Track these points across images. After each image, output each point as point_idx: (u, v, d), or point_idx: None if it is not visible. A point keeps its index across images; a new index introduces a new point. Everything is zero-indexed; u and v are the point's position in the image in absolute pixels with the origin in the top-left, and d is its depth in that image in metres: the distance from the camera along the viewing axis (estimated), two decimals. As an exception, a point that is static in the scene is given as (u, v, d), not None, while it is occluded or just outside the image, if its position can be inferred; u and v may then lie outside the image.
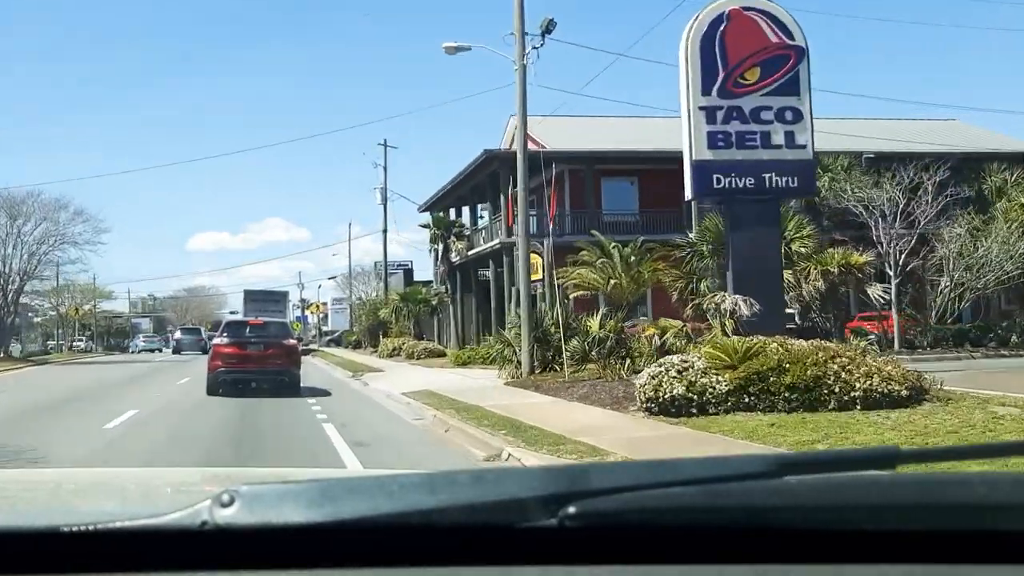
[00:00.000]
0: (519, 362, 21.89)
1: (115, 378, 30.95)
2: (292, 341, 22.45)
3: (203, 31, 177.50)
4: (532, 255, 25.72)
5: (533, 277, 25.74)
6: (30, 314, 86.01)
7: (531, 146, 35.36)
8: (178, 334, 68.42)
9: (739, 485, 1.35)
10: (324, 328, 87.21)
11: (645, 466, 1.47)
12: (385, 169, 53.64)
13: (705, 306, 18.15)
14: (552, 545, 1.28)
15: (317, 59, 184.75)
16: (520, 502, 1.26)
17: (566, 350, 20.23)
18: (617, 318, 21.06)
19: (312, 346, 62.11)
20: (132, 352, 79.35)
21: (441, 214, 45.37)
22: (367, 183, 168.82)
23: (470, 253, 41.50)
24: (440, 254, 43.85)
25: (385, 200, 53.46)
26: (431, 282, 50.28)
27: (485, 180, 38.88)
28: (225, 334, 21.73)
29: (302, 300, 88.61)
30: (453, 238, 42.96)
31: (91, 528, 1.28)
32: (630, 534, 1.30)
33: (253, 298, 52.62)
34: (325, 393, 21.42)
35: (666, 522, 1.29)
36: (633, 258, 21.50)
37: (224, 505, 1.24)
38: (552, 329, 21.51)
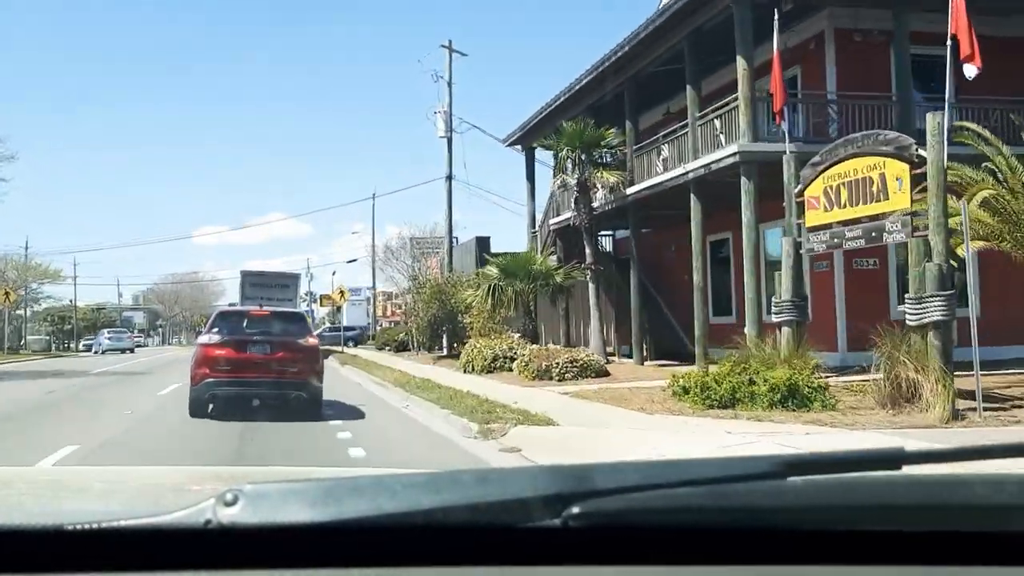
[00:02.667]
0: None
1: None
2: (312, 340, 15.91)
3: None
4: (875, 158, 13.59)
5: (895, 206, 13.25)
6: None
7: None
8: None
9: (744, 486, 1.33)
10: (337, 323, 73.39)
11: (650, 466, 1.46)
12: (450, 85, 37.20)
13: None
14: (556, 545, 1.28)
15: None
16: (524, 502, 1.25)
17: None
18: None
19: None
20: (95, 353, 63.64)
21: (571, 125, 25.35)
22: (373, 180, 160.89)
23: (631, 192, 24.33)
24: (574, 196, 25.81)
25: (450, 128, 37.09)
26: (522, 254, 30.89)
27: (683, 46, 21.65)
28: (216, 330, 15.63)
29: (309, 293, 75.28)
30: (596, 168, 24.92)
31: (95, 527, 1.28)
32: (634, 534, 1.30)
33: (254, 282, 39.48)
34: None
35: (670, 522, 1.29)
36: None
37: (228, 504, 1.24)
38: None
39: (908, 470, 1.45)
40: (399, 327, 52.22)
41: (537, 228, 32.63)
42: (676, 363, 23.80)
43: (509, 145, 34.40)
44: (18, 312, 75.00)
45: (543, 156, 31.64)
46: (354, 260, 74.32)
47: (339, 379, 26.17)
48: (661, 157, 22.98)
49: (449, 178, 37.14)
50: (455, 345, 34.41)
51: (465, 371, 25.19)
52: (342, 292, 48.62)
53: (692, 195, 20.67)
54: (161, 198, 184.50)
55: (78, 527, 1.28)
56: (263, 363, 14.65)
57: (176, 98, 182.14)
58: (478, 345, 25.34)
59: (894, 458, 1.46)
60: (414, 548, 1.27)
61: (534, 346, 23.59)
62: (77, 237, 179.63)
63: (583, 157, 24.49)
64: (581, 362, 20.28)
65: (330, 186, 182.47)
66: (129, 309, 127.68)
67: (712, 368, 16.48)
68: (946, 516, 1.36)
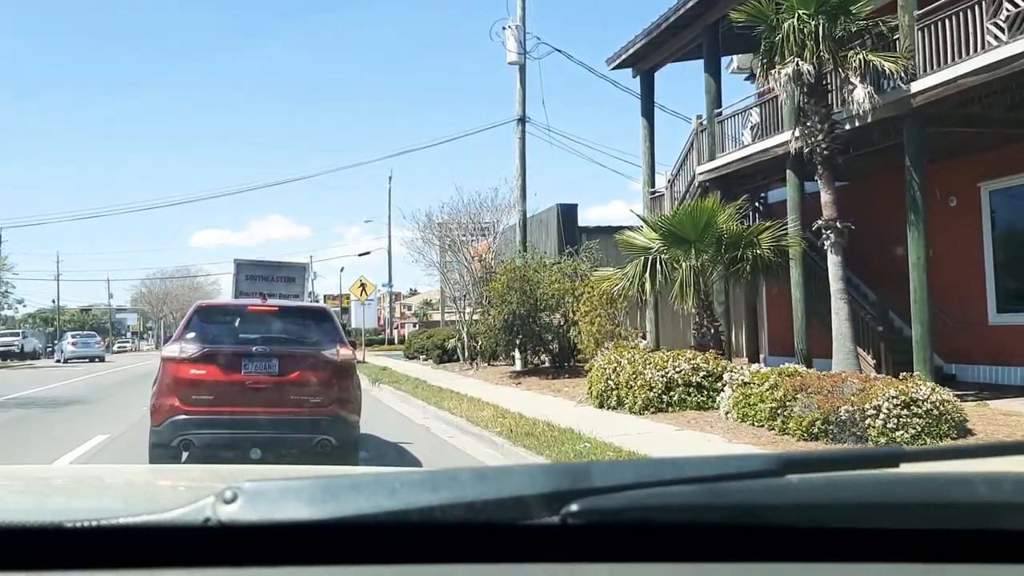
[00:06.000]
0: None
1: None
2: (346, 352, 10.23)
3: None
4: None
5: None
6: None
7: None
8: None
9: (741, 483, 1.31)
10: (345, 324, 62.43)
11: (647, 464, 1.46)
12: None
13: None
14: (554, 543, 1.26)
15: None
16: (522, 500, 1.24)
17: None
18: None
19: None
20: (57, 361, 54.23)
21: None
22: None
23: (920, 88, 13.60)
24: (798, 105, 14.99)
25: (523, 48, 26.13)
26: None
27: None
28: (192, 335, 9.97)
29: (311, 293, 65.18)
30: (848, 50, 14.02)
31: (94, 524, 1.25)
32: (632, 532, 1.28)
33: (251, 273, 30.58)
34: None
35: (668, 520, 1.27)
36: None
37: (227, 502, 1.23)
38: None
39: (906, 468, 1.41)
40: (425, 330, 42.11)
41: (667, 182, 22.13)
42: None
43: (616, 68, 23.83)
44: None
45: (661, 91, 21.37)
46: (367, 253, 64.76)
47: (374, 406, 16.45)
48: (1001, 15, 12.50)
49: (522, 120, 26.12)
50: (538, 355, 24.19)
51: (604, 405, 15.04)
52: (363, 285, 37.45)
53: None
54: (159, 195, 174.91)
55: (77, 525, 1.25)
56: (267, 389, 9.82)
57: (168, 85, 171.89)
58: (623, 361, 14.93)
59: (892, 456, 1.44)
60: (413, 545, 1.25)
61: (754, 366, 13.09)
62: (65, 231, 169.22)
63: (825, 31, 13.91)
64: (929, 406, 9.78)
65: (337, 181, 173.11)
66: (120, 310, 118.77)
67: None
68: (943, 514, 1.34)
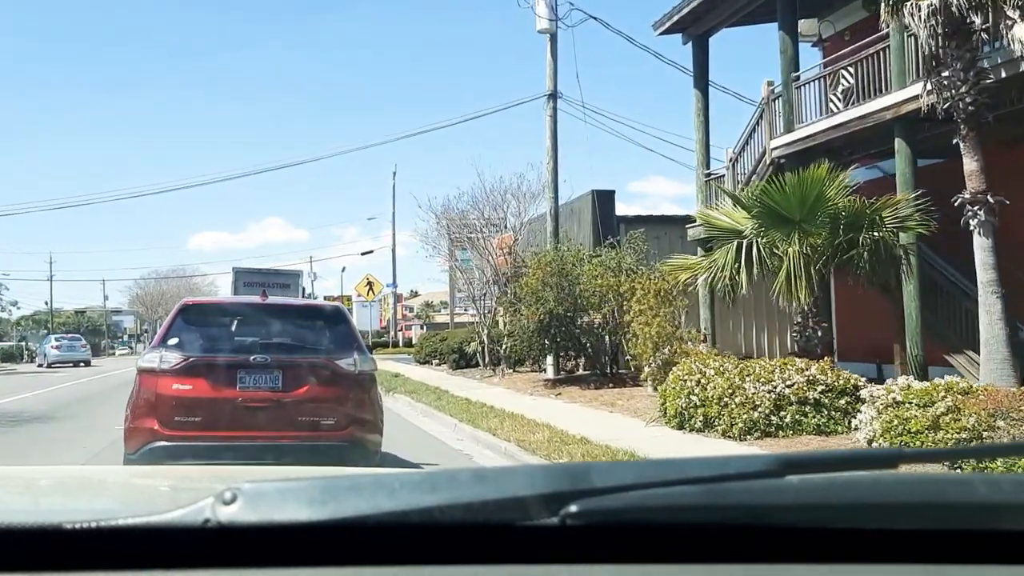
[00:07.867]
0: None
1: None
2: (363, 362, 8.63)
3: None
4: None
5: None
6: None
7: None
8: None
9: (741, 484, 1.30)
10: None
11: (647, 465, 1.46)
12: None
13: None
14: (554, 544, 1.25)
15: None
16: (521, 501, 1.22)
17: None
18: None
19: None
20: (39, 366, 50.34)
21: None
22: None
23: None
24: (935, 52, 11.84)
25: (555, 15, 22.74)
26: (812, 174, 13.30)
27: None
28: (175, 340, 8.43)
29: (311, 295, 62.53)
30: None
31: (93, 525, 1.24)
32: (632, 533, 1.26)
33: (249, 280, 31.07)
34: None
35: (668, 521, 1.25)
36: None
37: (227, 503, 1.21)
38: None
39: (905, 469, 1.40)
40: (437, 332, 39.56)
41: (729, 160, 19.15)
42: None
43: (664, 32, 20.91)
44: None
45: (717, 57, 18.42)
46: (370, 252, 62.13)
47: (392, 421, 13.39)
48: None
49: (553, 96, 23.17)
50: (571, 360, 21.45)
51: (685, 427, 12.28)
52: (371, 284, 34.25)
53: None
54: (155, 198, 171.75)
55: (77, 526, 1.24)
56: (268, 408, 8.27)
57: (168, 85, 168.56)
58: (709, 371, 12.04)
59: (891, 457, 1.44)
60: (412, 546, 1.24)
61: (900, 379, 10.14)
62: (61, 232, 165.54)
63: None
64: None
65: (336, 178, 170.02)
66: (115, 312, 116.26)
67: None
68: (943, 514, 1.32)
